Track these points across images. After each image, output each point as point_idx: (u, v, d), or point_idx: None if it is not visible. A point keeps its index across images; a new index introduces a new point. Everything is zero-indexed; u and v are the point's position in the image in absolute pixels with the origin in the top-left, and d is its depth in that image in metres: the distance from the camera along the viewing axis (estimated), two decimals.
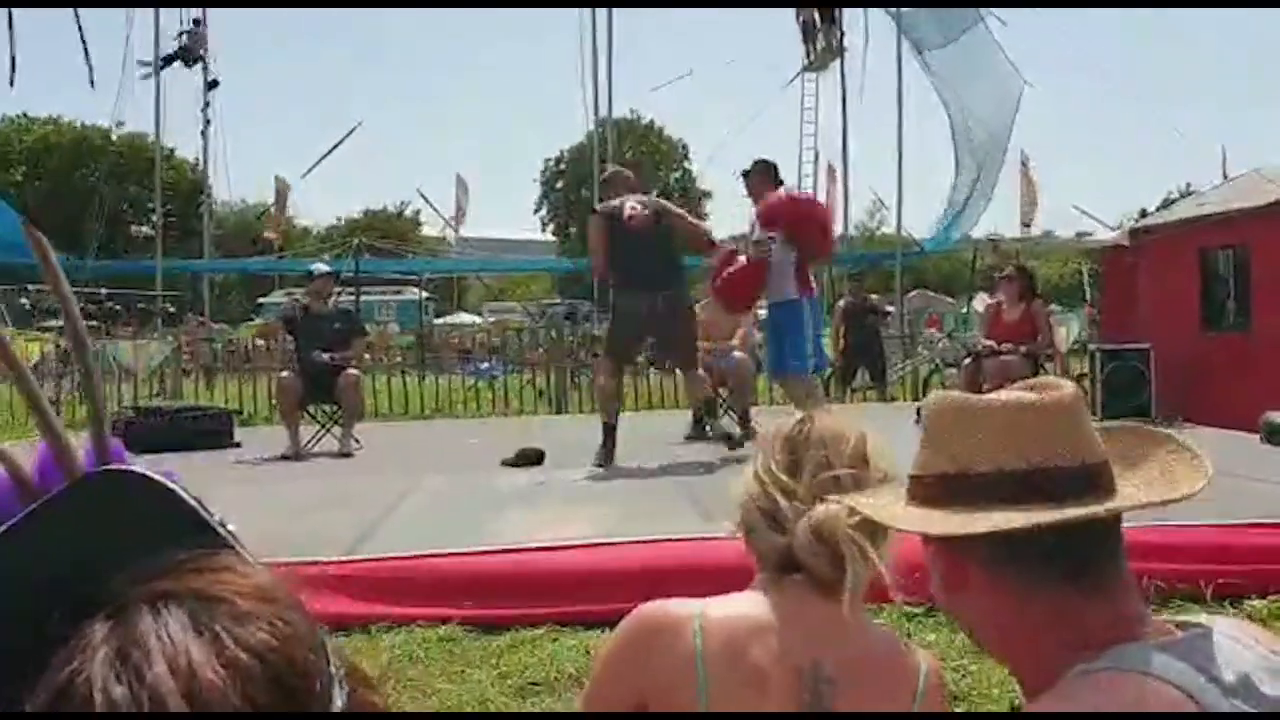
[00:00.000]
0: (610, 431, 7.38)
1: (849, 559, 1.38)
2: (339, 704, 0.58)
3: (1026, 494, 1.13)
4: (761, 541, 1.48)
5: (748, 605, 1.48)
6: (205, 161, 28.41)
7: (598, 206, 7.81)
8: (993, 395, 1.21)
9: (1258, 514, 4.77)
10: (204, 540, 0.61)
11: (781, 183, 8.00)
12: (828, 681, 1.41)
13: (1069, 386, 1.21)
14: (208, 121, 27.13)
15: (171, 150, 33.13)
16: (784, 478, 1.47)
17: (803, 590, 1.44)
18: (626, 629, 1.53)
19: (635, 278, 7.34)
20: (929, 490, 1.20)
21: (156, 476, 0.62)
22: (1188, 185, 37.05)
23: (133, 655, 0.53)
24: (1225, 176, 17.42)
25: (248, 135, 58.72)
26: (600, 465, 7.20)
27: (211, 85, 26.98)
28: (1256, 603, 4.11)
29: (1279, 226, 8.19)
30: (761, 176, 7.70)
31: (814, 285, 7.75)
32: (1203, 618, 1.17)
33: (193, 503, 0.62)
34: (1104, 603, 1.13)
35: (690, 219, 8.06)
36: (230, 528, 0.64)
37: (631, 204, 7.37)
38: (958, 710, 3.23)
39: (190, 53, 26.01)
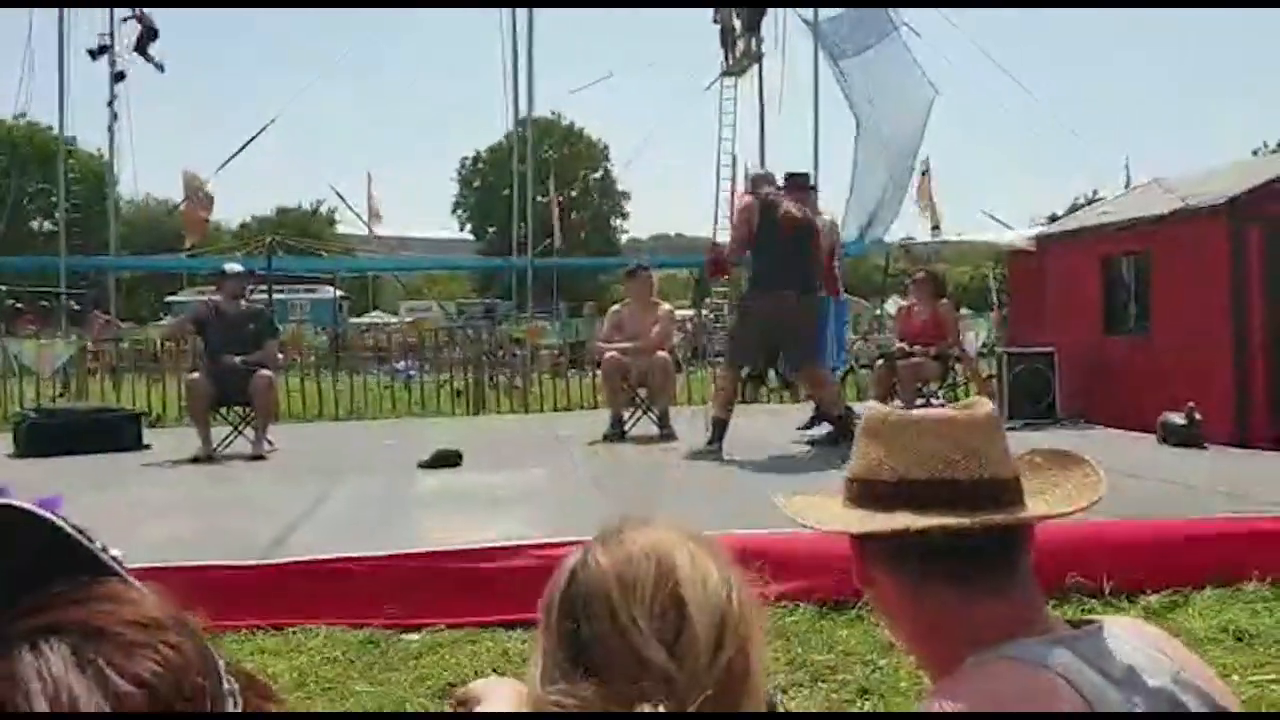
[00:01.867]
0: (720, 425, 7.67)
1: None
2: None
3: (927, 501, 1.24)
4: None
5: None
6: (112, 155, 27.72)
7: (758, 193, 8.01)
8: (913, 411, 1.34)
9: (1155, 512, 4.94)
10: (89, 570, 0.59)
11: (814, 189, 8.86)
12: None
13: (986, 406, 1.32)
14: (115, 115, 26.49)
15: (73, 138, 32.14)
16: (564, 693, 0.98)
17: None
18: None
19: (777, 274, 7.61)
20: (853, 492, 1.32)
21: (32, 508, 0.60)
22: (1094, 192, 38.00)
23: (14, 698, 0.52)
24: (1128, 184, 17.94)
25: (156, 131, 57.19)
26: (712, 447, 7.55)
27: (119, 78, 26.32)
28: (1152, 598, 4.26)
29: (1178, 234, 8.47)
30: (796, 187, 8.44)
31: (840, 287, 8.35)
32: (1100, 617, 1.25)
33: (74, 533, 0.60)
34: (995, 603, 1.22)
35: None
36: (114, 554, 0.62)
37: (792, 205, 7.76)
38: (866, 706, 3.31)
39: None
